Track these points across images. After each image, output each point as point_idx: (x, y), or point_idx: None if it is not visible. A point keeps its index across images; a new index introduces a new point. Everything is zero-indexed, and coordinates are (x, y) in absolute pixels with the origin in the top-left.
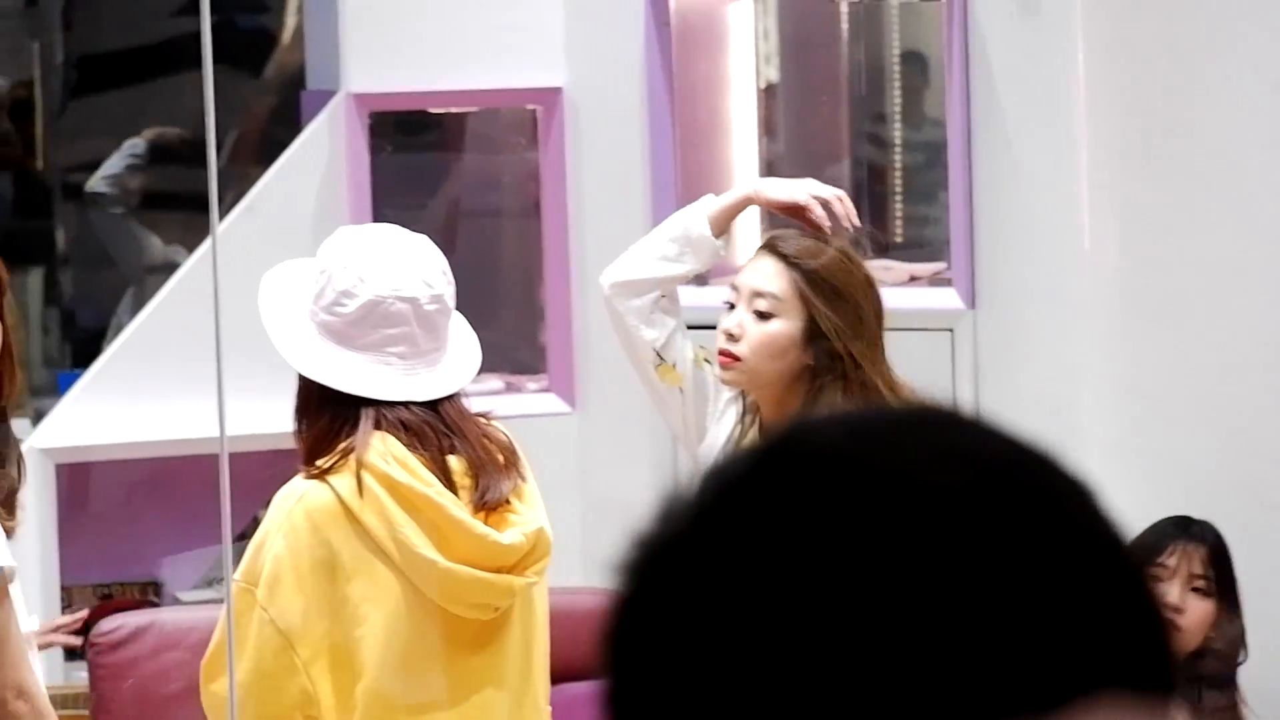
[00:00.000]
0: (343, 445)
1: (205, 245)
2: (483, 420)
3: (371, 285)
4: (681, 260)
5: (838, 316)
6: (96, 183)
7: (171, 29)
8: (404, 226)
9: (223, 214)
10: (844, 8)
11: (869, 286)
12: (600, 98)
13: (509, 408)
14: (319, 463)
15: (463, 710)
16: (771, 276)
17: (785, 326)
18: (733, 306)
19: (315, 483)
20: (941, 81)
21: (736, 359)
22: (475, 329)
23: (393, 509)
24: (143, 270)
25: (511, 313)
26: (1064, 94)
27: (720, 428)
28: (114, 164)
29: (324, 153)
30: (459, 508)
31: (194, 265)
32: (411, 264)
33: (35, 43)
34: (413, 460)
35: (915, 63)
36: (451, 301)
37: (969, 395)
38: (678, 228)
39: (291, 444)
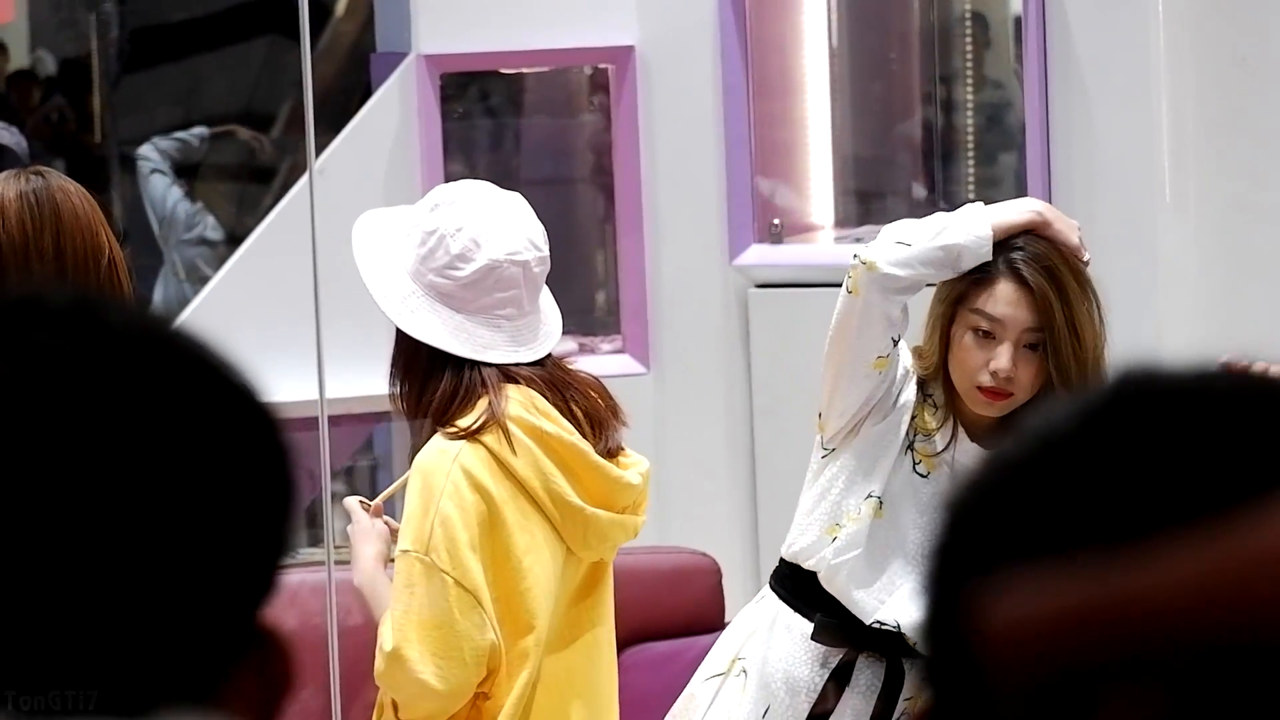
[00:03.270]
0: (481, 403)
1: (274, 213)
2: (578, 371)
3: (487, 250)
4: (947, 268)
5: (1082, 329)
6: (145, 146)
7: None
8: None
9: (284, 183)
10: None
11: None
12: (673, 56)
13: (583, 369)
14: (460, 423)
15: (577, 649)
16: (1033, 310)
17: (1044, 351)
18: (988, 335)
19: (464, 442)
20: (1012, 40)
21: (1009, 395)
22: (550, 289)
23: (543, 460)
24: (177, 236)
25: (585, 273)
26: (1142, 43)
27: (901, 411)
28: (169, 137)
29: (394, 115)
30: (594, 454)
31: (261, 234)
32: (519, 225)
33: (91, 15)
34: (554, 411)
35: (983, 23)
36: (548, 262)
37: None
38: (955, 237)
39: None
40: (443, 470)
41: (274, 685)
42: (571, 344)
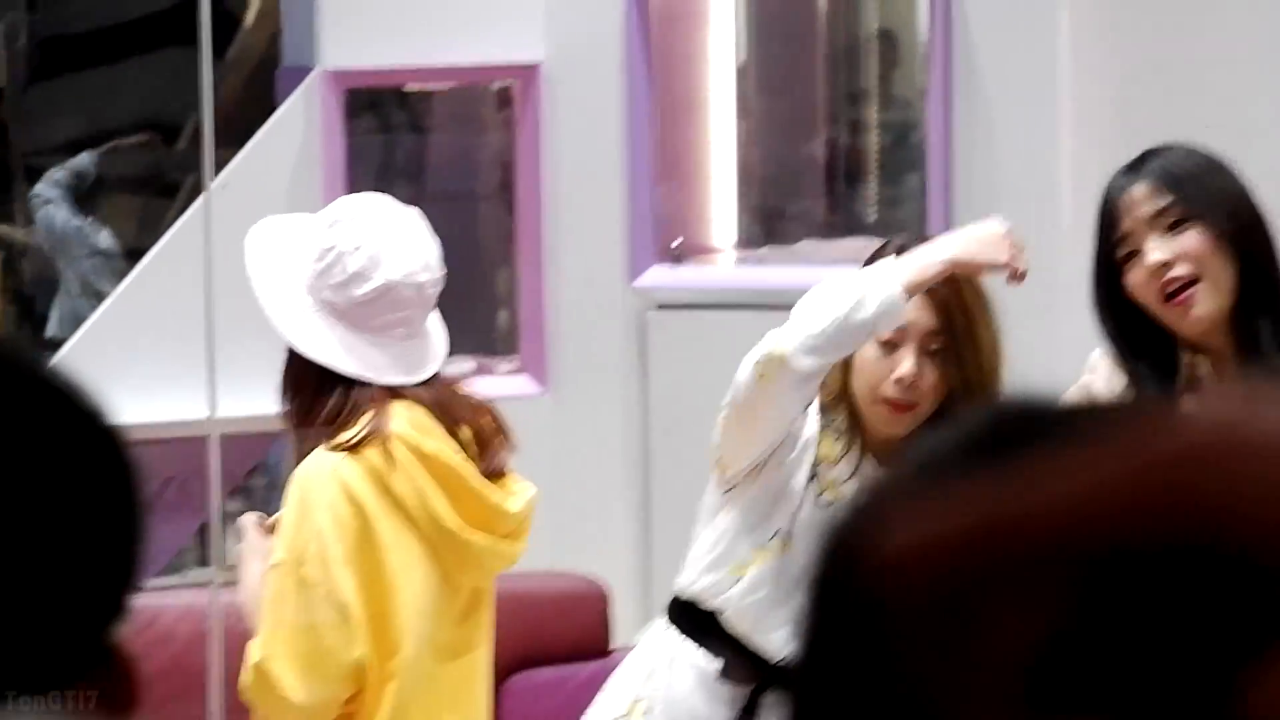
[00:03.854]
0: (365, 419)
1: (174, 229)
2: (468, 394)
3: (385, 270)
4: (862, 341)
5: (980, 337)
6: (39, 184)
7: (135, 10)
8: None
9: (188, 197)
10: None
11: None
12: (577, 74)
13: (480, 389)
14: (342, 436)
15: (452, 672)
16: (934, 313)
17: (944, 360)
18: (890, 344)
19: (343, 456)
20: (918, 61)
21: (914, 407)
22: (448, 309)
23: (422, 478)
24: (70, 253)
25: (484, 293)
26: (1047, 67)
27: (804, 449)
28: (62, 168)
29: (298, 130)
30: (476, 477)
31: (162, 249)
32: (417, 246)
33: None
34: (437, 430)
35: (892, 41)
36: (442, 283)
37: None
38: (867, 311)
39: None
40: (320, 483)
41: (116, 707)
42: (470, 364)
